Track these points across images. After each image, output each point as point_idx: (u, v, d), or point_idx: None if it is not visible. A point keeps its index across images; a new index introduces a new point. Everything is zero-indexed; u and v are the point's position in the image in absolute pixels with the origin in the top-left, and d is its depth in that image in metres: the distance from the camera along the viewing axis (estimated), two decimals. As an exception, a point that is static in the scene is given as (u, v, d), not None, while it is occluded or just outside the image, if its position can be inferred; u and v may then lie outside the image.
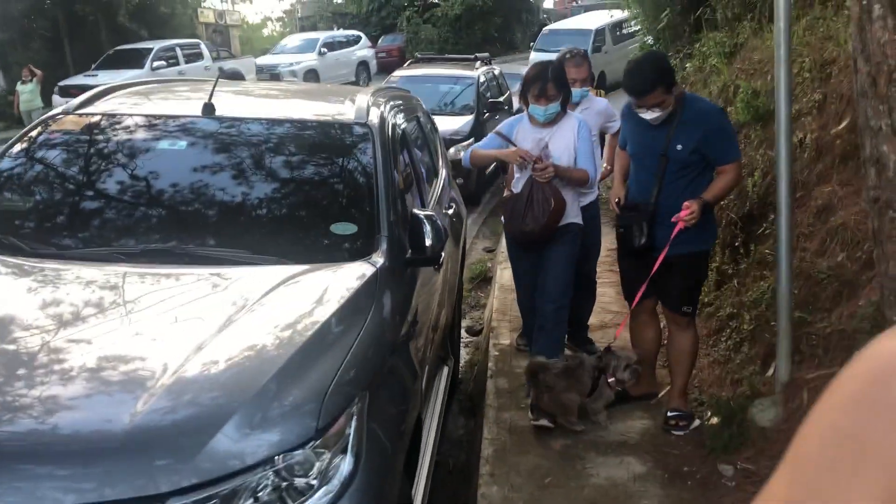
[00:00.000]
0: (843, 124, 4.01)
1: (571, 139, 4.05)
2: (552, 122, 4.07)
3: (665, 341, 4.17)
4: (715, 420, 3.82)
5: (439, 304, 3.90)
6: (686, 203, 3.55)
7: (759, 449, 3.47)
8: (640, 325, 4.07)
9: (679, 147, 3.59)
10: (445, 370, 4.38)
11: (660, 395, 4.22)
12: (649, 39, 9.90)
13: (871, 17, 2.47)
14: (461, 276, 5.71)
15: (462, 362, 5.80)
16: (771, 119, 4.92)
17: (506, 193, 4.30)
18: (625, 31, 19.08)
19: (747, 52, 6.28)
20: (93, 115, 3.46)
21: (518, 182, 4.15)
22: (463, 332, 6.23)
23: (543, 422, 3.82)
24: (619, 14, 18.35)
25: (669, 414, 3.88)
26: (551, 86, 3.96)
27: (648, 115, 3.60)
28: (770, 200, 4.66)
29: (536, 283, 4.23)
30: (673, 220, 3.58)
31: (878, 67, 2.45)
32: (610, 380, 3.78)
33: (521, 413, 4.06)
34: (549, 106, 3.99)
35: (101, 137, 3.38)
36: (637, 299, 3.83)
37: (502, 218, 4.35)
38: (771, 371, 3.92)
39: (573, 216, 4.14)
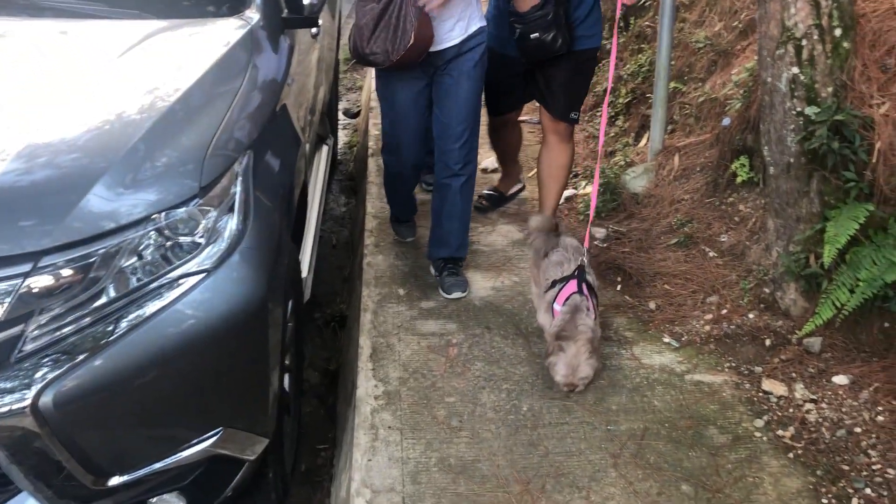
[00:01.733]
0: None
1: None
2: None
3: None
4: (588, 189, 3.97)
5: (317, 79, 3.71)
6: None
7: (629, 213, 3.66)
8: (506, 131, 3.73)
9: None
10: (325, 148, 4.28)
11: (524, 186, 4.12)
12: None
13: None
14: (337, 54, 5.45)
15: (341, 144, 5.70)
16: None
17: None
18: None
19: None
20: None
21: None
22: (340, 115, 6.07)
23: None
24: None
25: None
26: None
27: None
28: (652, -29, 4.60)
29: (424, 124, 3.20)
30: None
31: None
32: (548, 359, 2.64)
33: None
34: None
35: None
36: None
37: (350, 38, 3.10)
38: (644, 141, 4.07)
39: (476, 20, 3.05)
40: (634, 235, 3.48)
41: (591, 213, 3.07)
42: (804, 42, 2.64)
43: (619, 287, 3.20)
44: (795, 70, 2.67)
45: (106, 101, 2.09)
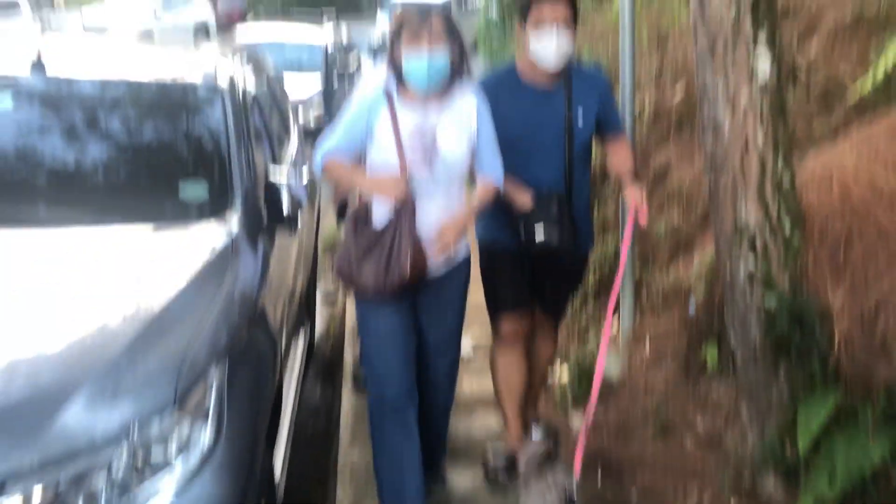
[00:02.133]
0: (679, 97, 4.26)
1: (467, 123, 2.73)
2: (439, 93, 2.67)
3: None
4: (566, 378, 3.99)
5: (295, 270, 3.82)
6: (632, 194, 3.10)
7: (605, 401, 3.67)
8: (518, 354, 3.23)
9: (581, 124, 3.04)
10: (302, 337, 4.32)
11: None
12: (493, 14, 10.14)
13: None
14: (316, 241, 5.63)
15: (319, 328, 5.74)
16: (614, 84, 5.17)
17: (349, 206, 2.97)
18: (469, 8, 19.31)
19: (588, 27, 6.54)
20: None
21: (381, 214, 2.74)
22: (319, 300, 6.16)
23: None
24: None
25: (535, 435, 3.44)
26: (438, 21, 2.57)
27: (553, 39, 2.86)
28: (612, 165, 4.90)
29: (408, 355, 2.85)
30: (640, 221, 3.11)
31: (714, 36, 2.62)
32: None
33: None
34: (435, 53, 2.55)
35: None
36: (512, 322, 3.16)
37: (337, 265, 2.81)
38: (616, 327, 4.16)
39: (462, 251, 2.91)
40: (611, 424, 3.48)
41: (584, 431, 2.80)
42: (757, 238, 2.78)
43: (598, 480, 3.16)
44: (752, 263, 2.80)
45: (88, 309, 2.15)
